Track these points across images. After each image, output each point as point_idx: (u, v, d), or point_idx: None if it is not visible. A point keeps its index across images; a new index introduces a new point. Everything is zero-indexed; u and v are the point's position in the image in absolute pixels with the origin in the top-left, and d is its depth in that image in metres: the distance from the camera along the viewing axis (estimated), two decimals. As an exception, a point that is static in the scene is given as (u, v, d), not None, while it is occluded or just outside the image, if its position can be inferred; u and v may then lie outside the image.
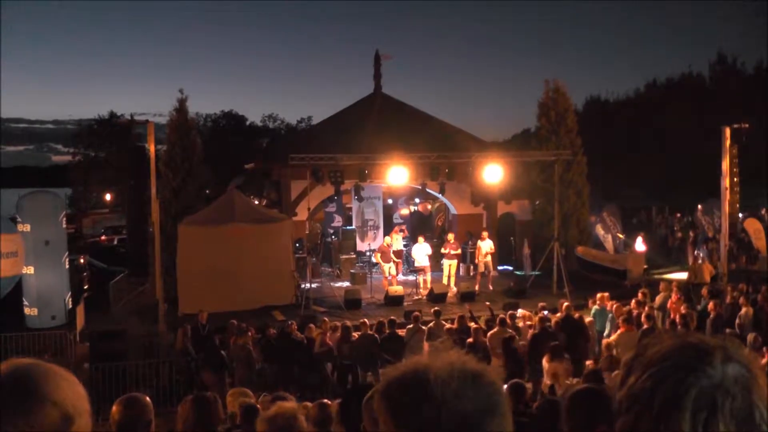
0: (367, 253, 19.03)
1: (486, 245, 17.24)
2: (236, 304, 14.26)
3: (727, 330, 10.76)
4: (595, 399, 2.54)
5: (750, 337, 9.28)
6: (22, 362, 1.02)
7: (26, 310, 14.94)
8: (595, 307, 12.16)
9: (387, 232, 21.54)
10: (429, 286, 16.47)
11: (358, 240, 20.49)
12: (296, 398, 5.78)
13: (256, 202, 21.17)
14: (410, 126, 19.81)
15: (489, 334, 10.48)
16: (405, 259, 18.91)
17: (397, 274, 17.31)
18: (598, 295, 12.39)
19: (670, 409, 0.93)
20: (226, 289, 14.48)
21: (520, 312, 13.10)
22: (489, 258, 17.29)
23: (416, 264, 17.13)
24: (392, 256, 17.11)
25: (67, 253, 15.71)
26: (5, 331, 12.63)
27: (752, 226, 20.76)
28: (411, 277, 17.53)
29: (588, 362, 9.36)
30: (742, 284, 13.38)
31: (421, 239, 17.28)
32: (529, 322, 11.82)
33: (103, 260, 21.17)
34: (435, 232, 22.06)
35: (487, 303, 13.69)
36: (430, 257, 17.16)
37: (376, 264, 17.51)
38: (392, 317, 11.78)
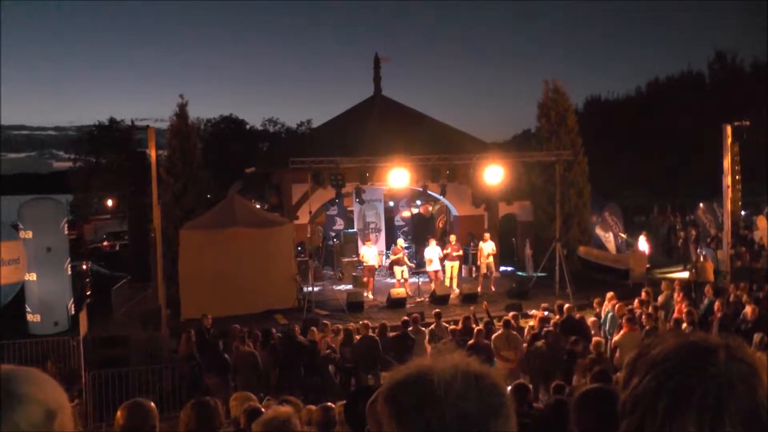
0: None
1: (488, 246, 17.23)
2: (238, 308, 14.27)
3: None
4: (604, 399, 2.53)
5: (756, 337, 9.25)
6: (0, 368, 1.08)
7: (29, 317, 14.95)
8: (608, 310, 12.03)
9: (389, 234, 21.58)
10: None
11: (359, 243, 20.49)
12: (299, 401, 5.78)
13: (257, 206, 21.15)
14: (410, 128, 19.81)
15: (493, 336, 10.47)
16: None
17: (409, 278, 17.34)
18: (609, 295, 12.30)
19: (676, 410, 0.92)
20: (228, 294, 14.48)
21: (532, 312, 13.08)
22: (491, 259, 17.28)
23: (428, 268, 17.13)
24: (405, 260, 17.15)
25: (69, 260, 15.72)
26: (8, 338, 12.64)
27: (762, 223, 21.04)
28: (412, 279, 17.50)
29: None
30: (744, 283, 13.32)
31: (433, 242, 17.31)
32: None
33: (105, 266, 21.19)
34: (436, 234, 22.06)
35: (484, 303, 13.65)
36: (441, 260, 17.14)
37: (392, 264, 17.46)
38: (405, 318, 11.73)
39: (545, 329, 10.48)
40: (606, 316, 11.88)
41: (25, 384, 1.04)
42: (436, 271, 16.99)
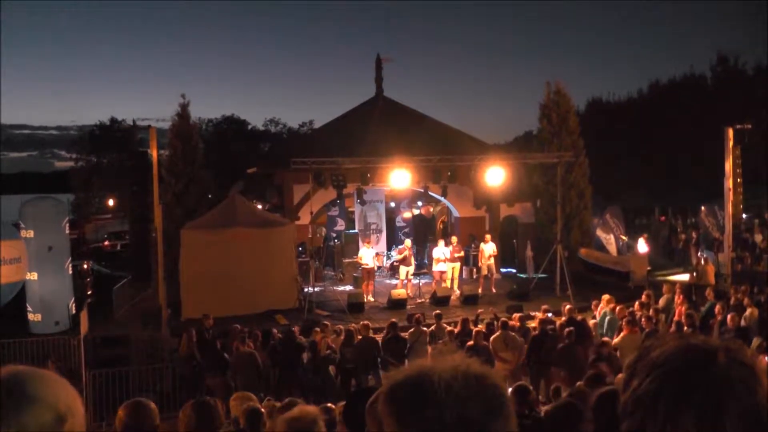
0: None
1: (489, 248, 17.23)
2: (239, 308, 14.28)
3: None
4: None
5: (755, 342, 9.25)
6: (12, 367, 1.06)
7: (30, 316, 14.96)
8: (605, 310, 12.06)
9: (390, 235, 21.59)
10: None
11: (360, 243, 20.50)
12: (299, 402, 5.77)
13: (259, 207, 21.17)
14: (412, 129, 19.82)
15: (492, 337, 10.47)
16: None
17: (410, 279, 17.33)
18: (605, 297, 12.32)
19: (676, 411, 0.93)
20: (229, 294, 14.49)
21: (534, 314, 13.09)
22: (492, 260, 17.27)
23: (434, 267, 17.11)
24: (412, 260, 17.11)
25: (70, 259, 15.72)
26: (9, 337, 12.65)
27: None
28: (414, 280, 17.50)
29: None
30: (745, 286, 13.32)
31: (441, 242, 17.31)
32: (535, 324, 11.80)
33: (106, 265, 21.22)
34: (438, 235, 22.06)
35: (491, 308, 13.70)
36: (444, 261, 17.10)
37: (397, 264, 17.42)
38: (393, 320, 11.76)
39: (566, 330, 10.43)
40: (603, 318, 11.86)
41: (36, 385, 1.03)
42: (441, 272, 16.97)
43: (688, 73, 38.66)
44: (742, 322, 10.96)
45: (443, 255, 16.85)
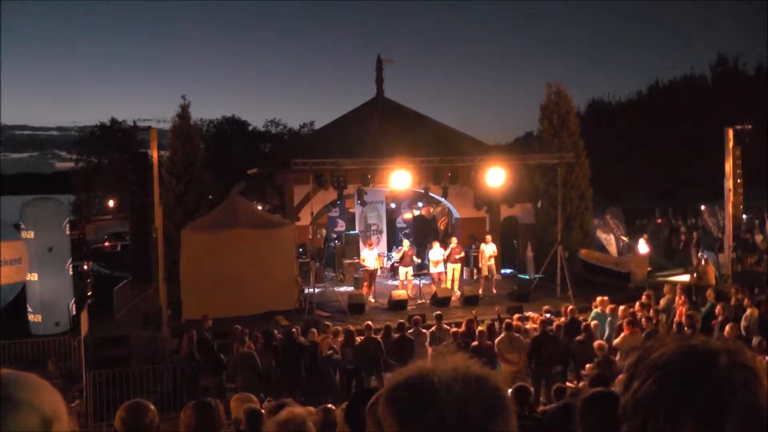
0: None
1: (489, 249, 17.22)
2: (239, 309, 14.28)
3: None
4: (610, 402, 2.53)
5: (755, 341, 9.25)
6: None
7: (30, 317, 14.97)
8: (596, 310, 12.15)
9: (390, 236, 21.57)
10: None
11: (361, 244, 20.49)
12: (301, 403, 5.78)
13: (259, 208, 21.16)
14: (413, 130, 19.81)
15: (497, 339, 10.46)
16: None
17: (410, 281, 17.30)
18: (598, 299, 12.38)
19: (677, 413, 0.92)
20: (230, 295, 14.49)
21: (529, 314, 13.11)
22: (492, 261, 17.27)
23: (432, 270, 17.10)
24: (411, 261, 17.09)
25: (70, 260, 15.74)
26: (9, 338, 12.66)
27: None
28: (414, 281, 17.49)
29: (588, 366, 9.30)
30: (745, 286, 13.29)
31: (436, 244, 17.29)
32: (534, 325, 11.80)
33: (107, 266, 21.21)
34: (438, 236, 22.02)
35: (496, 308, 13.68)
36: (444, 262, 17.08)
37: (397, 265, 17.39)
38: (401, 321, 11.74)
39: (584, 323, 10.47)
40: (603, 318, 11.87)
41: (22, 389, 1.02)
42: (439, 273, 16.98)
43: (688, 73, 38.72)
44: (743, 323, 10.96)
45: (439, 256, 16.86)
